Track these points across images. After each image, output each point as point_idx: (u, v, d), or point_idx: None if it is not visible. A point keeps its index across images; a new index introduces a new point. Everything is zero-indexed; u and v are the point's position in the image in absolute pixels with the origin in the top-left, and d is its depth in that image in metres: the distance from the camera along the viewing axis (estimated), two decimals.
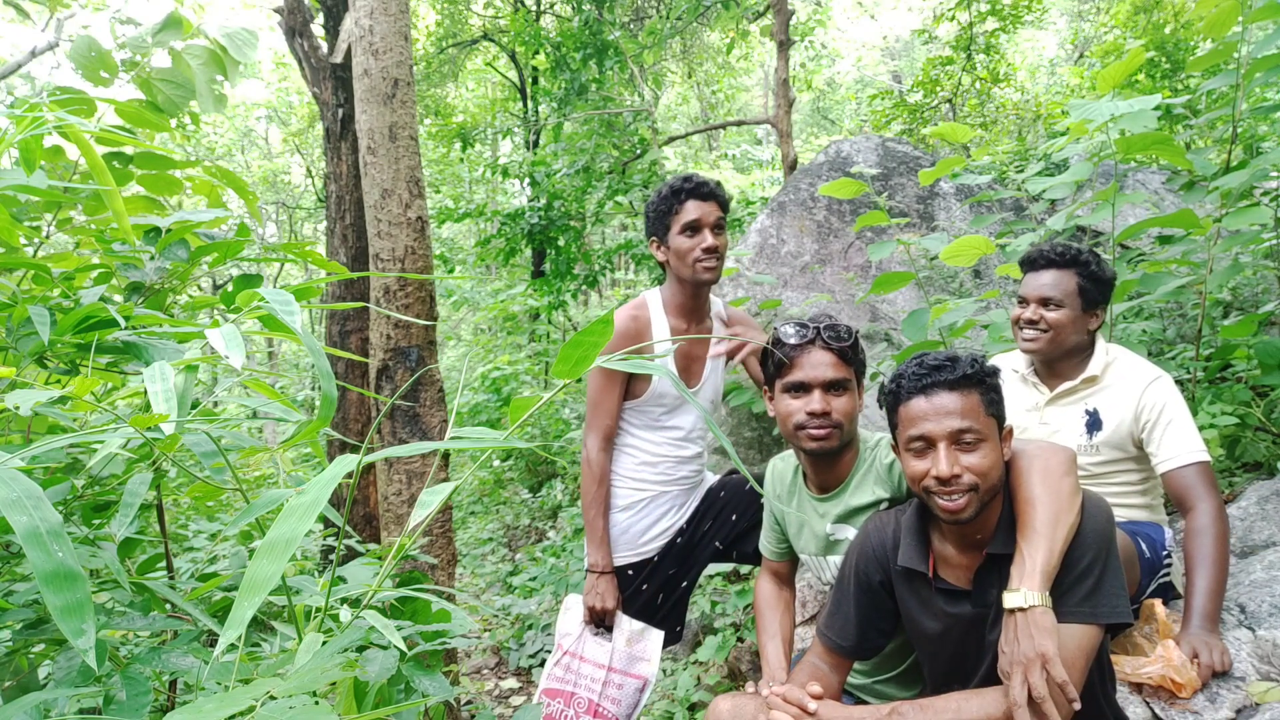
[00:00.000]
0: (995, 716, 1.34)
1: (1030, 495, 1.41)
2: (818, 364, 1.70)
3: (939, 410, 1.41)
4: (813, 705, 1.47)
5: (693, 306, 2.23)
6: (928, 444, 1.42)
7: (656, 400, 2.20)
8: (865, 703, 1.77)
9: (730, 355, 2.22)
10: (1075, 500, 1.40)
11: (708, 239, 2.12)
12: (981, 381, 1.44)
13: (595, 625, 2.19)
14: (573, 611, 2.22)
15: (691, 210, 2.13)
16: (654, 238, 2.20)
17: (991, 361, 1.50)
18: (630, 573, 2.23)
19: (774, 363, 1.76)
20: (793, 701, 1.47)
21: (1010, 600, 1.34)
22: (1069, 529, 1.37)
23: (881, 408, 1.56)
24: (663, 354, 2.15)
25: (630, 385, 2.20)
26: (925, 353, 1.49)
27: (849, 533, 1.77)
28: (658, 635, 2.20)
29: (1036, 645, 1.29)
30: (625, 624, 2.18)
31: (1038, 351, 2.09)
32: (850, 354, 1.73)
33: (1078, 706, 1.28)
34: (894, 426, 1.52)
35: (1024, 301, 2.11)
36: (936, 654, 1.57)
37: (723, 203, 2.17)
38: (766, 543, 2.02)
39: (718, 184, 2.20)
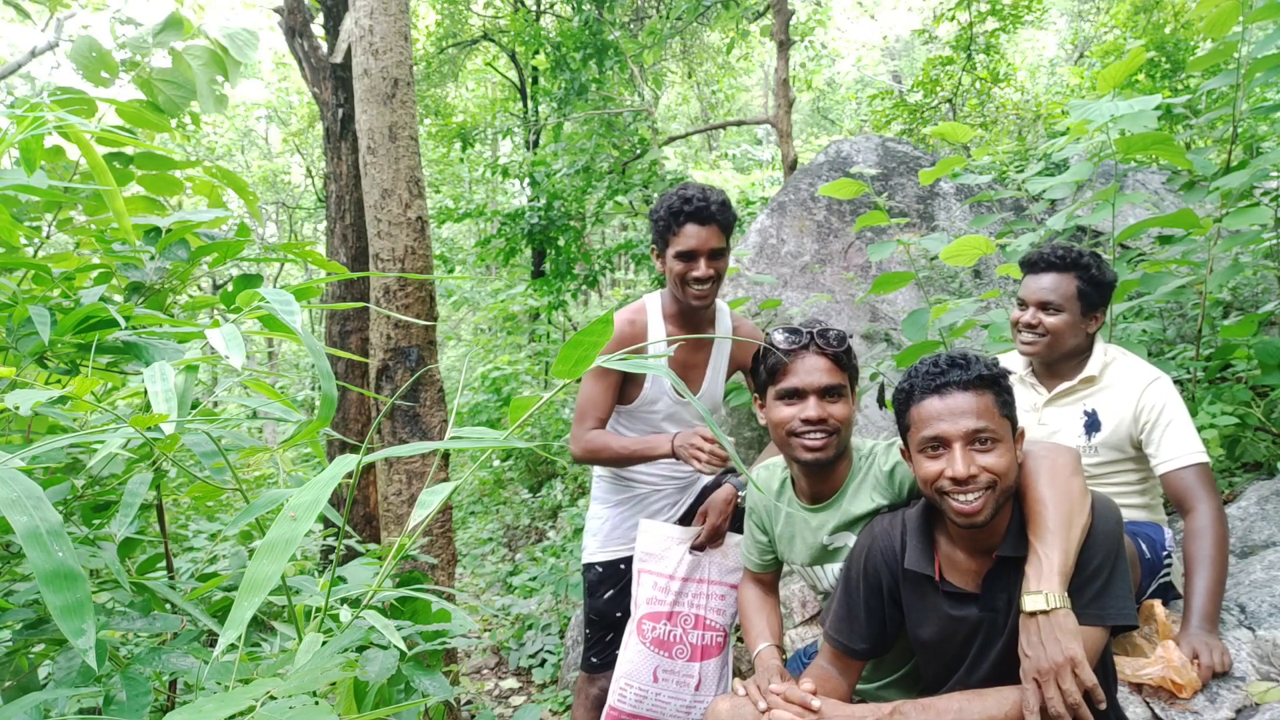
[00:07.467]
0: (999, 717, 1.33)
1: (1040, 495, 1.39)
2: (812, 369, 1.65)
3: (954, 410, 1.38)
4: (816, 703, 1.46)
5: (691, 318, 2.17)
6: (942, 445, 1.39)
7: (648, 406, 2.18)
8: None
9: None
10: (1086, 500, 1.39)
11: (701, 268, 2.04)
12: (995, 382, 1.41)
13: (704, 546, 2.13)
14: (651, 534, 2.15)
15: (689, 237, 2.03)
16: (654, 247, 2.15)
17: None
18: (622, 566, 2.24)
19: (766, 369, 1.72)
20: (794, 700, 1.47)
21: (1031, 603, 1.32)
22: (1082, 529, 1.36)
23: (881, 407, 1.55)
24: (658, 356, 2.12)
25: (622, 390, 2.18)
26: (938, 353, 1.47)
27: (849, 540, 1.73)
28: None
29: (1064, 649, 1.27)
30: (730, 537, 2.15)
31: (1036, 355, 2.09)
32: (845, 359, 1.69)
33: (1104, 707, 1.28)
34: (905, 429, 1.48)
35: (1023, 304, 2.10)
36: (938, 658, 1.55)
37: (725, 225, 2.07)
38: (749, 554, 1.95)
39: (723, 203, 2.07)
